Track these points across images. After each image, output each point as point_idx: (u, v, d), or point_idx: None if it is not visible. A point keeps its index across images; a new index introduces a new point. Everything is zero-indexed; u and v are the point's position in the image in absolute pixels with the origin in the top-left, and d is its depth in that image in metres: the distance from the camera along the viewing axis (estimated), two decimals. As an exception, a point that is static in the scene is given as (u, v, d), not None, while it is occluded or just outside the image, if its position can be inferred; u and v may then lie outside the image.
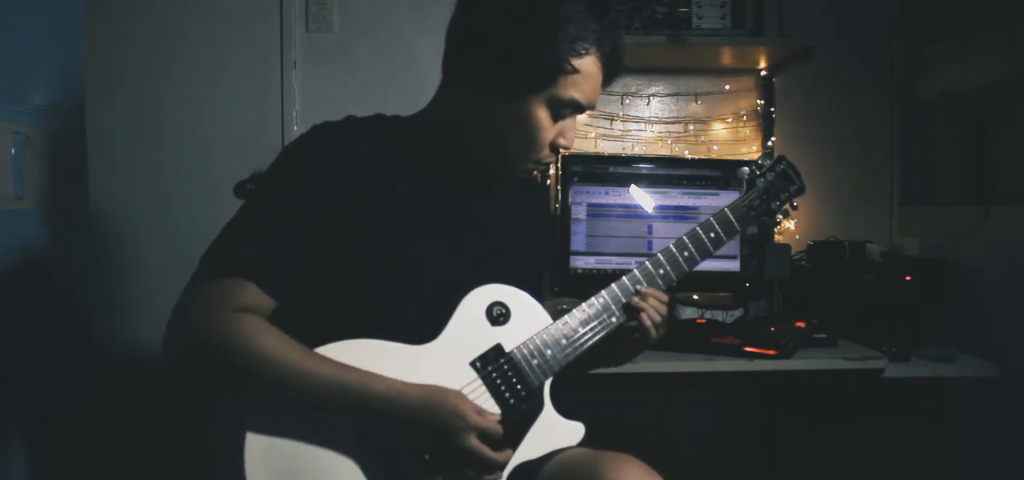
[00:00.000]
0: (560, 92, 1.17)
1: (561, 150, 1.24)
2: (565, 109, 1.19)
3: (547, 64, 1.15)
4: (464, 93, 1.21)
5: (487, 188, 1.30)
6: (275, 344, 1.11)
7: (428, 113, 1.29)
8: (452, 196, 1.27)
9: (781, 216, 1.41)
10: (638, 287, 1.28)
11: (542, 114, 1.18)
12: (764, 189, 1.37)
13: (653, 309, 1.27)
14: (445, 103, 1.26)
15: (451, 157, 1.26)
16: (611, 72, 1.22)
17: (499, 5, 1.16)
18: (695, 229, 1.32)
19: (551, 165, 2.21)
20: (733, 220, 1.34)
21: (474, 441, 1.12)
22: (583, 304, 1.26)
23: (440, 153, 1.26)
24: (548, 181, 2.29)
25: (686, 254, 1.31)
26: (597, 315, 1.26)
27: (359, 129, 1.24)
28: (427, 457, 1.15)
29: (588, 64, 1.17)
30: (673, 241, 1.32)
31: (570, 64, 1.15)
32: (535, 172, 1.31)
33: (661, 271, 1.30)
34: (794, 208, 1.40)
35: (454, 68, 1.22)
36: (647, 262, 1.30)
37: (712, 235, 1.32)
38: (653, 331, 1.28)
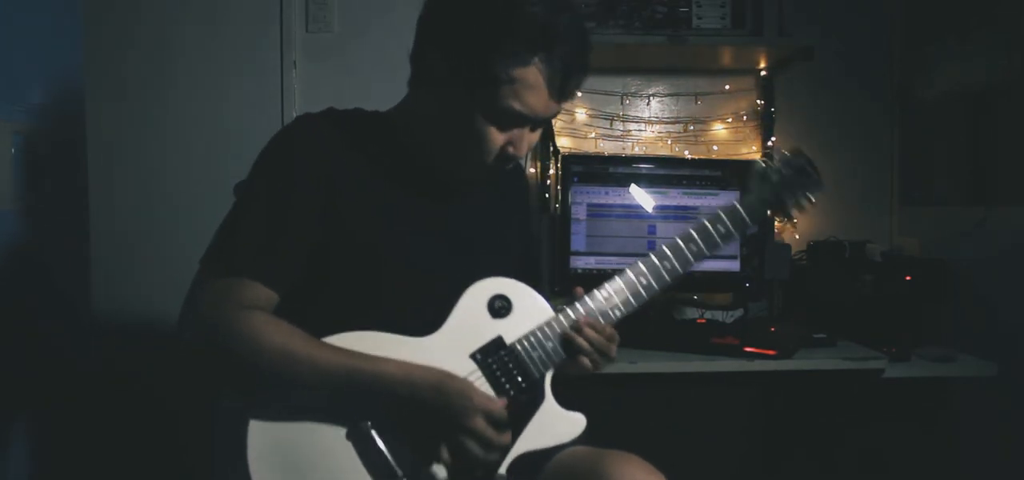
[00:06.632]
0: (500, 101, 1.13)
1: (512, 160, 1.21)
2: (508, 119, 1.16)
3: (486, 72, 1.11)
4: (424, 93, 1.22)
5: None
6: (285, 338, 1.12)
7: (401, 109, 1.30)
8: (437, 187, 1.27)
9: (797, 211, 1.37)
10: (579, 321, 1.23)
11: (485, 123, 1.16)
12: (780, 184, 1.33)
13: (587, 341, 1.22)
14: (413, 101, 1.27)
15: (423, 153, 1.26)
16: (563, 84, 1.16)
17: (450, 9, 1.15)
18: (702, 221, 1.28)
19: (551, 163, 2.26)
20: (744, 214, 1.30)
21: (479, 422, 1.12)
22: (586, 296, 1.25)
23: (412, 148, 1.26)
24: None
25: (693, 248, 1.28)
26: (599, 309, 1.26)
27: (341, 121, 1.25)
28: (432, 440, 1.14)
29: (530, 74, 1.12)
30: (679, 234, 1.28)
31: (507, 73, 1.11)
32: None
33: (666, 263, 1.27)
34: (812, 203, 1.36)
35: (415, 68, 1.23)
36: (652, 255, 1.27)
37: (720, 228, 1.29)
38: (592, 368, 1.23)
